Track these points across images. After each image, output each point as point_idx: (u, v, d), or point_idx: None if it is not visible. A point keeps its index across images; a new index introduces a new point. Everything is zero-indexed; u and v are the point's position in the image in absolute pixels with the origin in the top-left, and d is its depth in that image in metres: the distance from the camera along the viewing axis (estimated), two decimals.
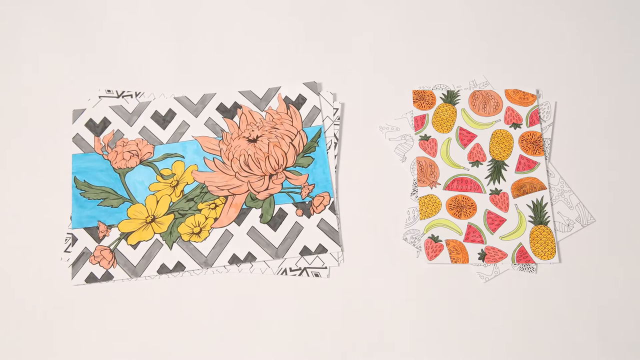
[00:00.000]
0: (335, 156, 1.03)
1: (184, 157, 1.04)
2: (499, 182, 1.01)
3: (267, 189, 1.01)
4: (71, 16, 1.12)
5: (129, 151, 1.04)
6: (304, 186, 1.02)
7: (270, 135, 1.04)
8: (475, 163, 1.03)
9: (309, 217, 1.00)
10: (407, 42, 1.10)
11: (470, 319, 0.94)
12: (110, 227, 1.00)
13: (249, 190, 1.01)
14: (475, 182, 1.02)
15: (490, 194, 1.01)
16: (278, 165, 1.02)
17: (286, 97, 1.07)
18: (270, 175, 1.02)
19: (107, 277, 0.97)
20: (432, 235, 0.99)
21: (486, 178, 1.02)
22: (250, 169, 1.02)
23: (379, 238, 0.99)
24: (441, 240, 0.98)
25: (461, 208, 1.00)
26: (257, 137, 1.04)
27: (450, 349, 0.93)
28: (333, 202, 1.00)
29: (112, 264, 0.98)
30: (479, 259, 0.97)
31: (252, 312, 0.95)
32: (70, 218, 1.00)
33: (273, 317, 0.95)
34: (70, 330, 0.95)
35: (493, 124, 1.05)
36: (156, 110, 1.06)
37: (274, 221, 1.00)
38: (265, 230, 0.99)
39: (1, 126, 1.06)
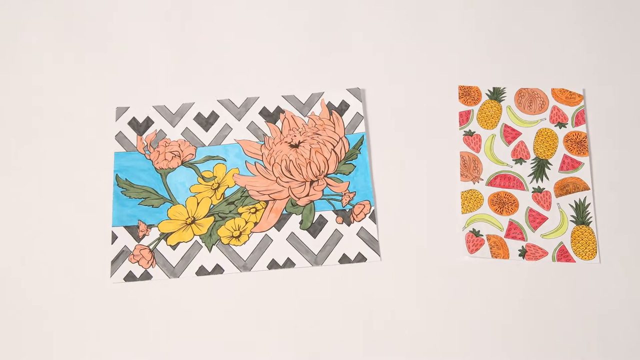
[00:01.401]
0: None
1: (225, 160, 1.04)
2: (542, 180, 1.02)
3: (307, 195, 1.01)
4: (111, 16, 1.13)
5: (171, 152, 1.04)
6: (344, 193, 1.01)
7: (312, 141, 1.04)
8: (519, 160, 1.03)
9: (349, 225, 1.00)
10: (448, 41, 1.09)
11: (512, 319, 0.93)
12: (150, 226, 1.00)
13: (289, 195, 1.01)
14: (518, 179, 1.02)
15: (532, 192, 1.01)
16: (319, 171, 1.02)
17: (329, 102, 1.06)
18: (312, 182, 1.02)
19: (146, 276, 0.98)
20: (474, 229, 0.99)
21: (529, 176, 1.02)
22: (292, 175, 1.02)
23: (415, 247, 0.98)
24: (482, 235, 0.99)
25: (503, 204, 1.01)
26: (299, 142, 1.04)
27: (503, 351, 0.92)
28: (373, 210, 1.00)
29: (151, 264, 0.98)
30: (519, 255, 0.97)
31: (290, 316, 0.95)
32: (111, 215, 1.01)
33: (314, 321, 0.94)
34: (107, 328, 0.95)
35: (538, 123, 1.05)
36: (199, 112, 1.06)
37: (314, 228, 0.99)
38: (304, 236, 0.99)
39: (46, 122, 1.07)
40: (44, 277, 0.98)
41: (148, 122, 1.06)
